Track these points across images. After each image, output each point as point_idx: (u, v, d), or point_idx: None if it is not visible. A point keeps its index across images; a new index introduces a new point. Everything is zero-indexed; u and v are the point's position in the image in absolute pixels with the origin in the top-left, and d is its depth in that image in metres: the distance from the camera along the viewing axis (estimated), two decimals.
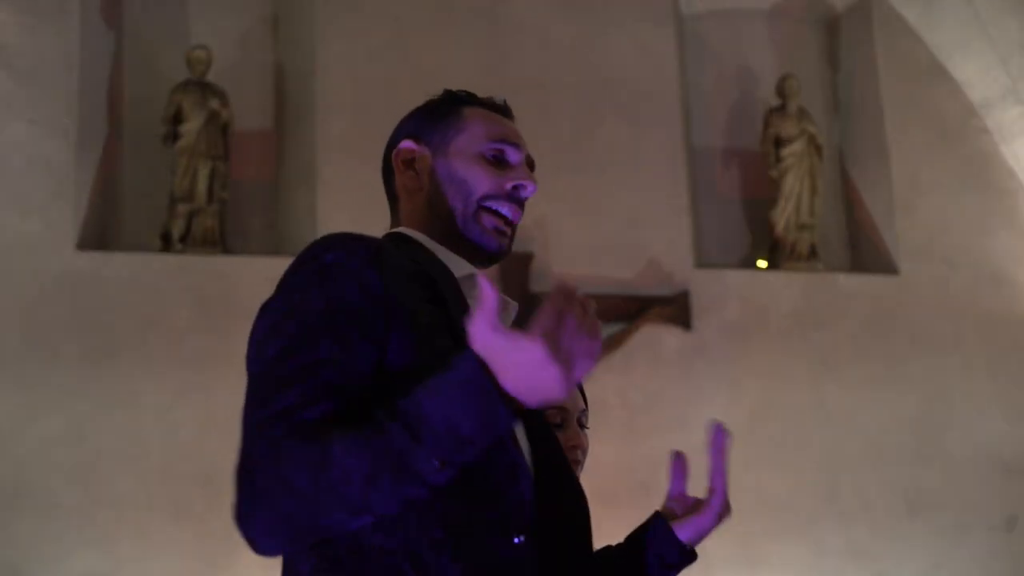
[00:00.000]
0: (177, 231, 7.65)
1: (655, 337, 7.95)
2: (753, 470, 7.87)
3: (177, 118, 7.78)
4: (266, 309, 1.83)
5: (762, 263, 8.57)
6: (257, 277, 7.40)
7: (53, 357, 7.08)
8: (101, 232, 7.62)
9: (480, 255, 2.01)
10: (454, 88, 2.16)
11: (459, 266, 1.96)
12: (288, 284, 1.82)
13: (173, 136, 7.77)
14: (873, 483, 8.05)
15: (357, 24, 8.02)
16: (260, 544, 1.76)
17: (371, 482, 1.60)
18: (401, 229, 2.03)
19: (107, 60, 7.90)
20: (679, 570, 2.08)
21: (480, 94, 2.15)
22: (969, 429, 8.27)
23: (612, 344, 7.81)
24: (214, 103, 7.81)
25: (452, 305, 1.85)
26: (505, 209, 2.01)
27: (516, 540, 1.72)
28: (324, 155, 7.73)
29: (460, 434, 1.59)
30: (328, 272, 1.77)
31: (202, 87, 7.85)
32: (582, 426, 2.63)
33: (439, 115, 2.09)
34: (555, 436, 2.02)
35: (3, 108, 7.38)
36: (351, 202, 7.55)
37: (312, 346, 1.71)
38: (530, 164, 2.08)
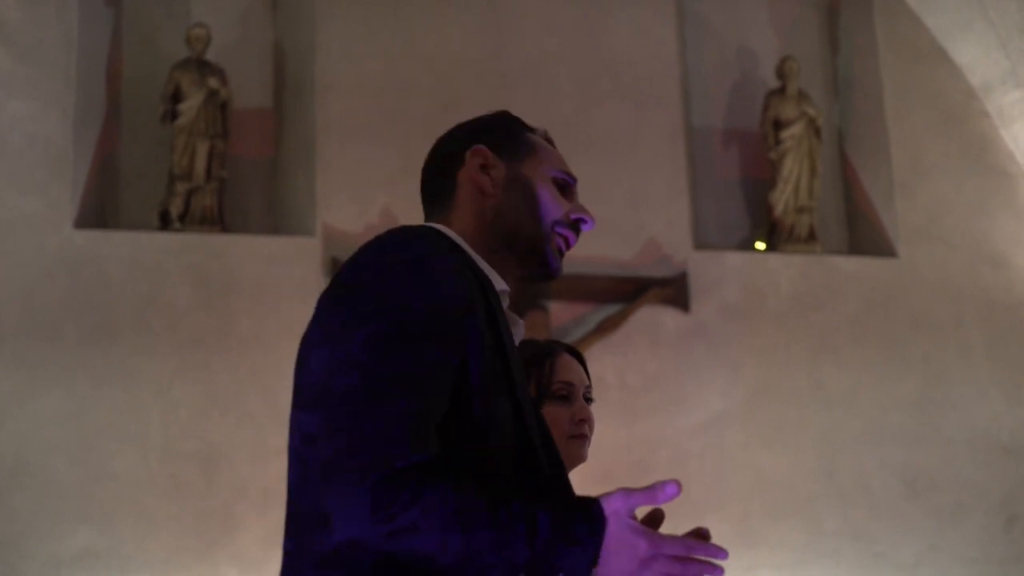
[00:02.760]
0: (176, 209, 7.64)
1: (654, 318, 7.96)
2: (751, 451, 7.90)
3: (176, 96, 7.77)
4: (351, 290, 1.84)
5: (760, 245, 8.58)
6: (256, 255, 7.46)
7: (52, 335, 7.09)
8: (99, 210, 7.63)
9: (542, 272, 2.08)
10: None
11: (496, 281, 2.00)
12: (378, 269, 1.84)
13: (172, 114, 7.76)
14: (871, 464, 8.07)
15: (357, 4, 8.00)
16: (352, 534, 1.72)
17: (481, 555, 1.69)
18: (440, 227, 2.04)
19: (106, 38, 7.89)
20: None
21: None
22: (967, 411, 8.28)
23: (610, 325, 7.82)
24: (213, 81, 7.79)
25: (502, 323, 1.92)
26: (570, 236, 2.10)
27: (547, 574, 1.75)
28: (323, 134, 7.73)
29: (556, 565, 1.70)
30: (422, 270, 1.82)
31: (201, 65, 7.84)
32: (588, 400, 2.68)
33: (509, 130, 2.14)
34: (557, 451, 2.04)
35: (2, 86, 7.37)
36: (350, 182, 7.57)
37: (417, 345, 1.77)
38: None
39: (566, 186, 2.12)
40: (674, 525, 1.95)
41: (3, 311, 7.07)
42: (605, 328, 7.80)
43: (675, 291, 8.01)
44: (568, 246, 2.10)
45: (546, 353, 2.68)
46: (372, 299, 1.80)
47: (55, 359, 7.06)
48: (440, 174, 2.11)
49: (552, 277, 2.09)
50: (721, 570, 1.74)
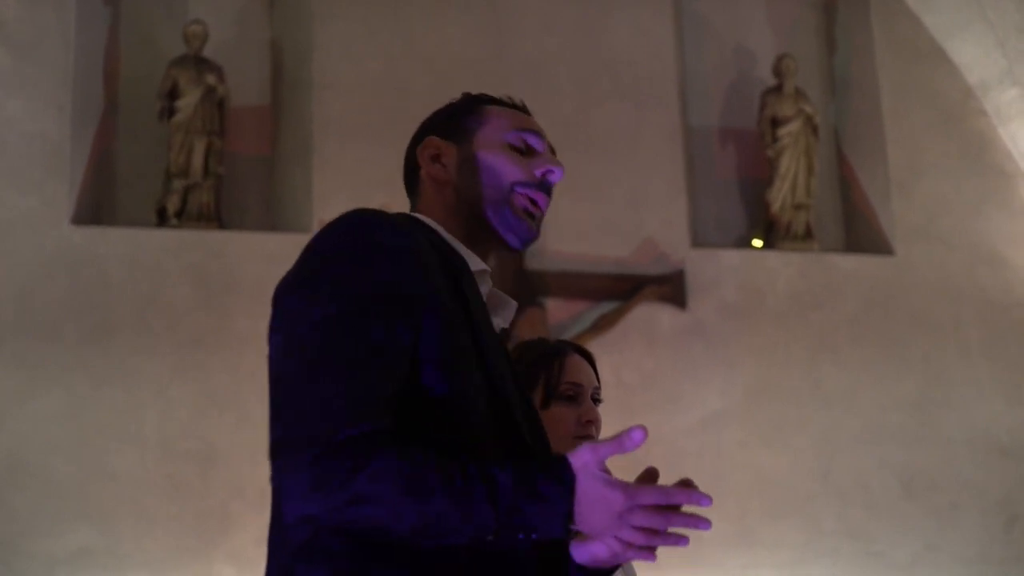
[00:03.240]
0: (173, 206, 7.64)
1: (651, 316, 7.96)
2: (749, 450, 7.90)
3: (173, 93, 7.77)
4: (306, 276, 1.85)
5: (757, 243, 8.58)
6: (253, 253, 7.46)
7: (49, 333, 7.08)
8: (97, 207, 7.62)
9: (510, 239, 2.04)
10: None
11: (473, 261, 1.99)
12: (330, 254, 1.85)
13: (169, 111, 7.75)
14: (870, 464, 8.07)
15: (355, 3, 8.00)
16: (299, 512, 1.72)
17: (439, 521, 1.68)
18: (418, 215, 2.05)
19: (103, 36, 7.89)
20: None
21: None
22: (966, 410, 8.28)
23: (607, 322, 7.82)
24: (210, 78, 7.79)
25: (470, 297, 1.90)
26: (535, 195, 2.04)
27: (520, 536, 1.73)
28: (320, 132, 7.72)
29: (527, 523, 1.69)
30: (373, 249, 1.82)
31: (198, 62, 7.83)
32: (596, 401, 2.67)
33: (461, 112, 2.12)
34: (543, 428, 2.03)
35: (0, 84, 7.37)
36: (347, 179, 7.57)
37: (366, 325, 1.76)
38: (552, 151, 2.13)
39: (525, 146, 2.07)
40: None
41: (1, 310, 7.07)
42: (602, 326, 7.80)
43: (672, 289, 8.01)
44: (538, 205, 2.04)
45: (555, 353, 2.67)
46: (325, 283, 1.80)
47: (53, 358, 7.06)
48: (409, 172, 2.14)
49: (523, 242, 2.04)
50: (707, 522, 1.71)
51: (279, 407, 1.74)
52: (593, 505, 1.69)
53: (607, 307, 7.87)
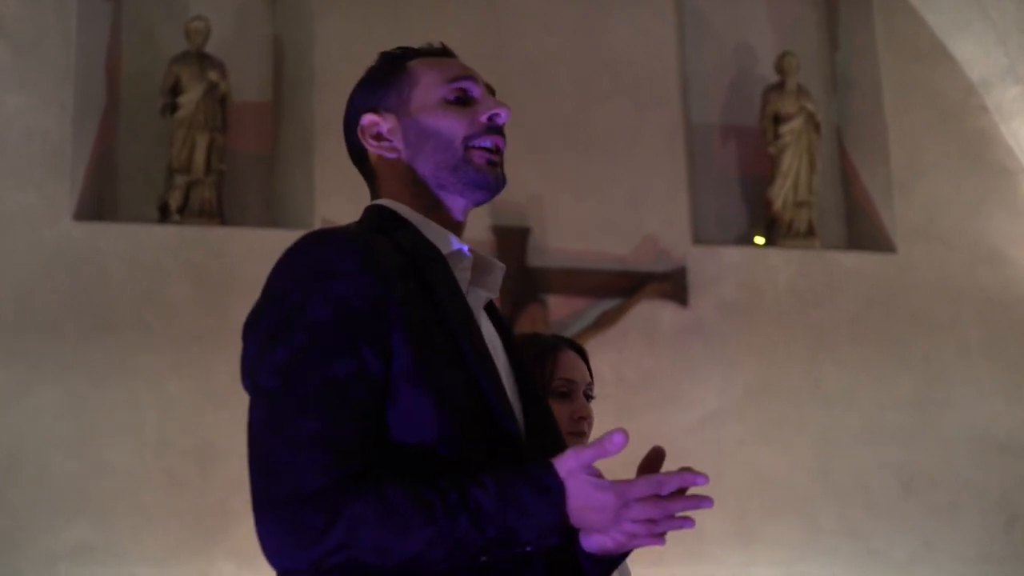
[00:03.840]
0: (175, 203, 7.64)
1: (651, 314, 7.95)
2: (748, 448, 7.90)
3: (175, 89, 7.76)
4: (261, 314, 1.80)
5: (759, 240, 8.57)
6: (254, 249, 7.45)
7: (49, 329, 7.08)
8: (98, 204, 7.62)
9: (478, 194, 1.98)
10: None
11: (446, 242, 1.94)
12: (283, 288, 1.80)
13: (171, 107, 7.75)
14: (869, 463, 8.07)
15: (355, 1, 7.99)
16: (281, 567, 1.71)
17: (428, 553, 1.66)
18: (385, 202, 1.99)
19: (105, 31, 7.88)
20: (602, 569, 1.91)
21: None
22: (965, 409, 8.28)
23: (608, 320, 7.82)
24: (212, 75, 7.78)
25: (441, 291, 1.85)
26: (489, 142, 1.97)
27: (514, 551, 1.72)
28: (322, 129, 7.71)
29: (518, 539, 1.68)
30: (325, 276, 1.77)
31: (200, 58, 7.83)
32: (588, 397, 2.66)
33: (387, 78, 2.03)
34: (555, 423, 2.02)
35: (1, 80, 7.36)
36: (349, 177, 7.53)
37: (327, 360, 1.72)
38: (490, 91, 2.05)
39: (464, 94, 2.00)
40: None
41: (2, 305, 7.07)
42: (603, 323, 7.80)
43: (673, 286, 8.01)
44: (495, 151, 1.97)
45: (549, 349, 2.66)
46: (279, 320, 1.76)
47: (52, 352, 7.05)
48: (356, 158, 2.06)
49: (492, 193, 1.97)
50: (709, 500, 1.71)
51: (251, 460, 1.72)
52: (587, 508, 1.68)
53: (609, 304, 7.87)
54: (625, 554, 1.86)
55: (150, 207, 7.71)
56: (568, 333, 7.40)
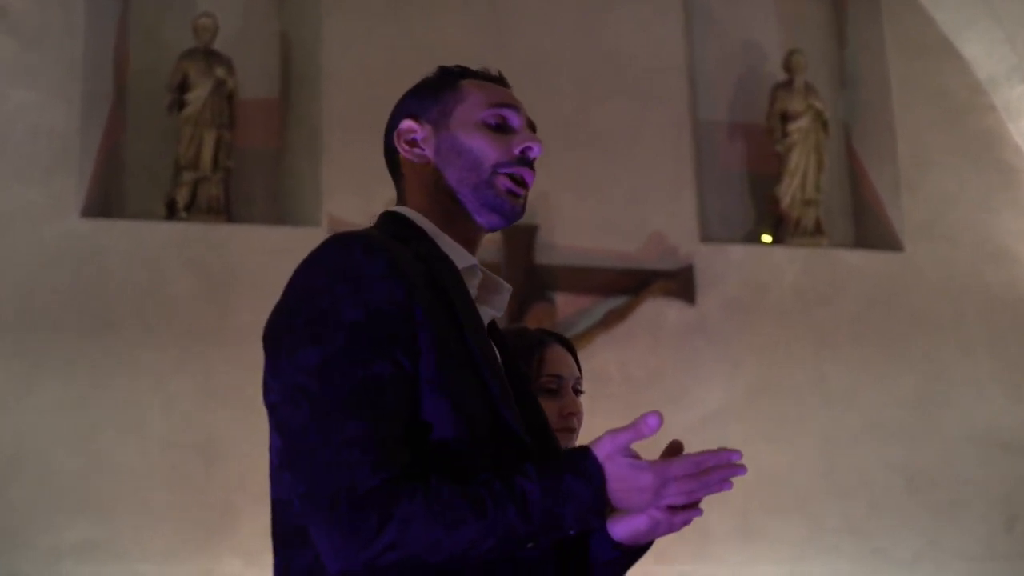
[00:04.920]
0: (182, 199, 7.64)
1: (657, 312, 7.95)
2: (752, 446, 7.86)
3: (183, 86, 7.77)
4: (290, 314, 1.82)
5: (767, 238, 8.57)
6: (260, 247, 7.46)
7: (54, 325, 7.09)
8: (105, 200, 7.62)
9: (495, 220, 2.01)
10: (453, 62, 2.16)
11: (461, 257, 1.97)
12: (312, 289, 1.81)
13: (179, 104, 7.75)
14: (872, 461, 8.07)
15: None
16: (339, 568, 1.72)
17: (478, 545, 1.70)
18: (402, 210, 2.02)
19: (112, 27, 7.88)
20: (619, 567, 1.99)
21: (484, 70, 2.14)
22: (968, 408, 8.28)
23: (615, 317, 7.82)
24: (220, 71, 7.79)
25: (457, 301, 1.88)
26: (517, 172, 2.01)
27: (529, 544, 1.76)
28: (329, 126, 7.72)
29: (563, 524, 1.72)
30: (355, 279, 1.79)
31: (208, 55, 7.84)
32: (577, 392, 2.63)
33: (436, 90, 2.08)
34: (550, 426, 2.04)
35: (8, 75, 7.37)
36: (354, 173, 7.56)
37: (366, 361, 1.74)
38: (531, 126, 2.09)
39: (503, 122, 2.04)
40: None
41: (5, 300, 7.07)
42: (610, 320, 7.80)
43: (680, 284, 8.01)
44: (522, 183, 2.01)
45: (536, 344, 2.64)
46: (312, 320, 1.78)
47: (57, 349, 7.06)
48: (389, 161, 2.11)
49: (508, 221, 2.01)
50: (743, 468, 1.77)
51: (296, 461, 1.73)
52: (627, 490, 1.73)
53: (615, 302, 7.87)
54: (647, 546, 1.93)
55: (157, 204, 7.71)
56: (575, 331, 7.41)
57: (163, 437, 7.10)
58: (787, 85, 8.64)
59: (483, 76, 2.11)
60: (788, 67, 8.67)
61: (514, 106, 2.06)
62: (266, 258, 7.38)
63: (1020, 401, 8.34)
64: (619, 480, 1.72)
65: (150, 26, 8.05)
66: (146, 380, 7.14)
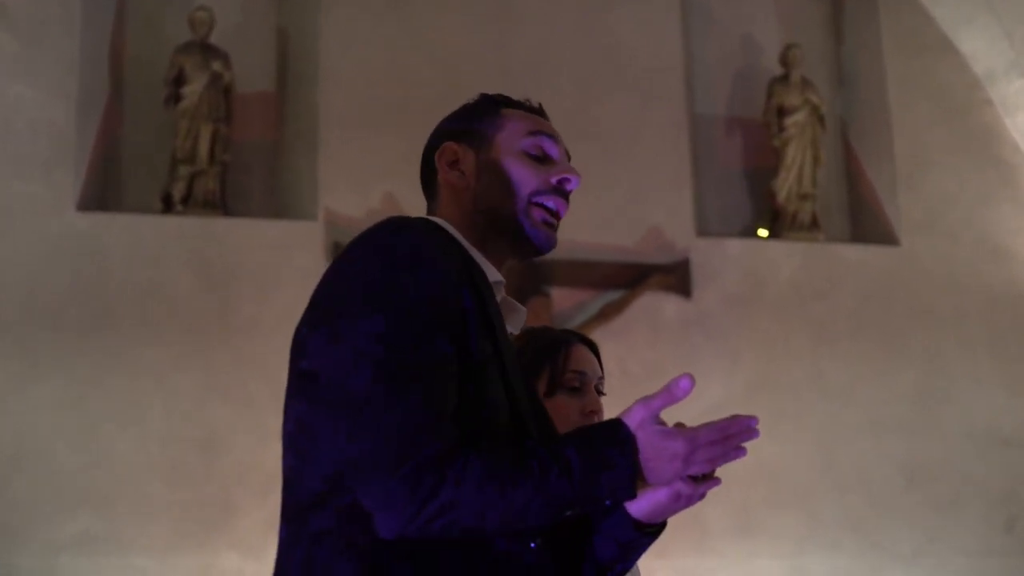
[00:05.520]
0: (178, 193, 7.64)
1: (655, 306, 7.95)
2: (751, 441, 7.88)
3: (179, 80, 7.76)
4: (346, 282, 1.85)
5: (763, 232, 8.57)
6: (257, 241, 7.46)
7: (53, 320, 7.09)
8: (102, 194, 7.62)
9: (527, 248, 2.06)
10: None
11: (489, 271, 2.01)
12: (369, 264, 1.84)
13: (175, 98, 7.75)
14: (871, 456, 8.07)
15: None
16: (396, 530, 1.75)
17: (526, 511, 1.74)
18: (437, 220, 2.05)
19: (109, 22, 7.88)
20: (638, 549, 2.02)
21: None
22: (968, 402, 8.28)
23: (612, 311, 7.82)
24: (216, 65, 7.78)
25: (490, 304, 1.92)
26: (552, 203, 2.05)
27: (532, 544, 1.81)
28: (326, 120, 7.72)
29: (600, 493, 1.76)
30: (412, 260, 1.83)
31: (204, 49, 7.83)
32: (599, 392, 2.66)
33: (478, 116, 2.13)
34: (550, 421, 2.06)
35: (5, 70, 7.36)
36: (352, 167, 7.56)
37: (429, 334, 1.79)
38: (568, 156, 2.14)
39: (542, 153, 2.09)
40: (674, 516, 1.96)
41: (4, 295, 7.07)
42: (607, 314, 7.80)
43: (677, 278, 8.01)
44: (556, 213, 2.07)
45: (561, 342, 2.65)
46: (371, 290, 1.81)
47: (56, 343, 7.06)
48: (426, 175, 2.15)
49: (540, 251, 2.07)
50: (757, 432, 1.83)
51: (354, 425, 1.75)
52: (660, 458, 1.77)
53: (612, 296, 7.87)
54: (660, 529, 1.99)
55: (154, 198, 7.71)
56: (571, 325, 7.40)
57: (163, 431, 7.10)
58: (783, 79, 8.64)
59: (523, 106, 2.17)
60: (784, 61, 8.68)
61: (553, 137, 2.11)
62: (265, 252, 7.39)
63: (1019, 397, 8.34)
64: (651, 447, 1.76)
65: (147, 20, 8.05)
66: (146, 374, 7.14)
